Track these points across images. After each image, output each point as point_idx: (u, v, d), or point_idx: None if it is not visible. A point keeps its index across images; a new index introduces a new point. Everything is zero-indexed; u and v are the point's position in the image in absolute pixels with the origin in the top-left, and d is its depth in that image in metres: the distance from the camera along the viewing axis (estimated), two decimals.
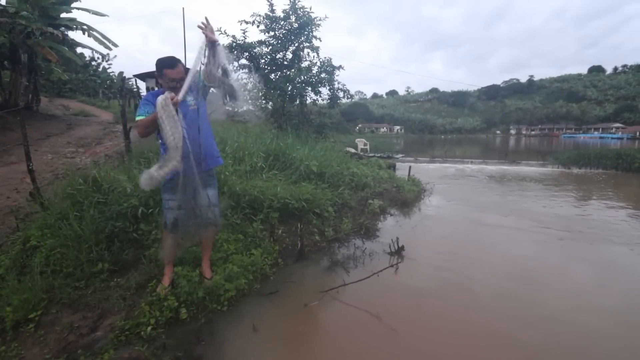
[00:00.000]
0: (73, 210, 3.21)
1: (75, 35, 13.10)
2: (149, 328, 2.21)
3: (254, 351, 2.23)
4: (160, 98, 2.10)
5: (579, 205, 6.66)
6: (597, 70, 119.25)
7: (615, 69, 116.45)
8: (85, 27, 12.30)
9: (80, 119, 14.18)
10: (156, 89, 13.47)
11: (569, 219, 5.53)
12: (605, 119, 79.19)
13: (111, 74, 30.26)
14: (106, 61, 29.93)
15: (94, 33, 12.41)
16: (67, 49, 12.15)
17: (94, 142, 8.96)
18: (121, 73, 29.75)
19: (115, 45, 13.26)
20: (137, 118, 2.29)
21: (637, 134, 60.81)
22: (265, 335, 2.38)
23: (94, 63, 28.57)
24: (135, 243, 3.14)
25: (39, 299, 2.45)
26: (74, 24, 12.35)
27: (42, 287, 2.54)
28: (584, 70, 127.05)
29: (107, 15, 13.59)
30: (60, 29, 11.69)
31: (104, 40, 12.67)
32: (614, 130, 69.81)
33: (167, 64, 2.34)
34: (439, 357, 2.27)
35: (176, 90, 2.37)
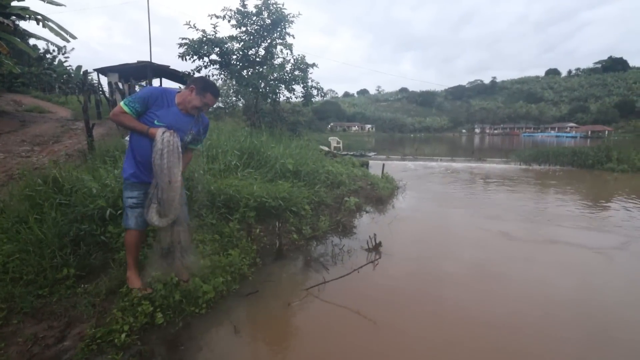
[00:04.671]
0: (32, 213, 2.98)
1: (28, 25, 12.21)
2: (123, 335, 2.09)
3: (237, 354, 2.18)
4: (165, 131, 2.24)
5: (541, 197, 7.06)
6: (553, 73, 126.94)
7: (570, 72, 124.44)
8: (39, 17, 11.44)
9: (34, 116, 13.18)
10: (121, 85, 12.62)
11: (533, 210, 5.85)
12: (560, 119, 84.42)
13: (68, 68, 28.41)
14: (62, 54, 28.09)
15: (50, 24, 11.57)
16: (18, 40, 11.26)
17: (51, 140, 8.37)
18: (79, 67, 27.86)
19: (74, 37, 12.41)
20: (124, 107, 2.26)
21: (589, 133, 65.33)
22: (247, 337, 2.34)
23: (48, 56, 26.75)
24: (103, 247, 2.96)
25: None
26: (26, 14, 11.46)
27: (1, 297, 2.34)
28: (541, 73, 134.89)
29: (64, 5, 12.73)
30: (11, 19, 10.83)
31: (60, 31, 11.84)
32: (568, 129, 74.57)
33: (216, 92, 2.45)
34: (417, 347, 2.33)
35: (194, 110, 2.41)
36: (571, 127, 75.32)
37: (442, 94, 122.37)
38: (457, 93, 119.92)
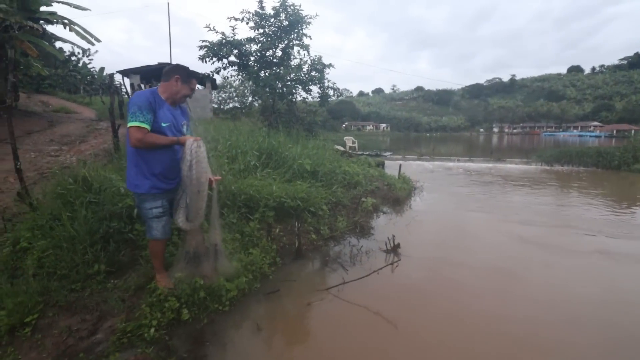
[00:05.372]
0: (65, 211, 3.12)
1: (55, 29, 12.70)
2: (152, 329, 2.18)
3: (259, 350, 2.24)
4: (193, 142, 2.24)
5: (564, 200, 6.88)
6: (576, 70, 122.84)
7: (593, 69, 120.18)
8: (66, 21, 11.89)
9: (61, 116, 13.71)
10: (142, 86, 12.99)
11: (557, 213, 5.72)
12: (583, 118, 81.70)
13: (92, 70, 29.36)
14: (87, 56, 29.02)
15: (76, 27, 12.01)
16: (47, 43, 11.75)
17: (78, 140, 8.70)
18: (102, 69, 28.78)
19: (98, 40, 12.83)
20: (143, 125, 2.14)
21: (614, 132, 62.93)
22: (269, 335, 2.39)
23: (73, 58, 27.67)
24: (131, 244, 3.08)
25: (34, 302, 2.38)
26: (54, 18, 11.92)
27: (37, 290, 2.47)
28: (563, 70, 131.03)
29: (89, 10, 13.19)
30: (40, 23, 11.28)
31: (86, 35, 12.27)
32: (592, 128, 72.10)
33: (197, 75, 2.44)
34: (437, 348, 2.33)
35: (183, 100, 2.47)
36: (595, 126, 72.79)
37: (459, 93, 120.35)
38: (474, 91, 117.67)
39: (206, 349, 2.19)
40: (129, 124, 2.14)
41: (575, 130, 73.81)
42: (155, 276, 2.62)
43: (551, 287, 3.21)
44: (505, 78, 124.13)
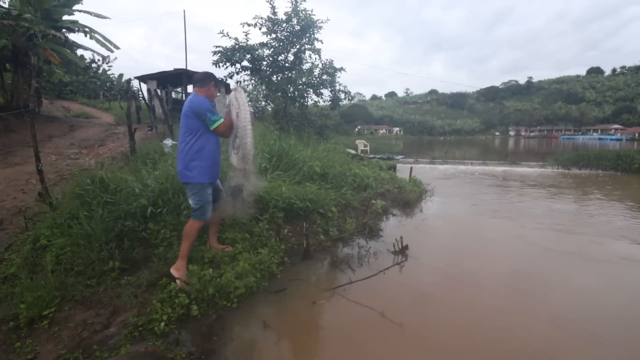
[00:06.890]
0: (82, 210, 3.26)
1: (76, 37, 13.21)
2: (162, 324, 2.26)
3: (266, 347, 2.28)
4: (233, 92, 2.84)
5: (581, 204, 6.72)
6: (595, 71, 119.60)
7: (614, 70, 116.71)
8: (87, 29, 12.35)
9: (81, 121, 14.21)
10: (159, 91, 13.36)
11: (569, 218, 5.58)
12: (604, 121, 79.41)
13: (111, 76, 30.34)
14: (106, 63, 30.01)
15: (96, 35, 12.47)
16: (68, 51, 12.23)
17: (96, 143, 9.01)
18: (121, 75, 29.68)
19: (117, 48, 13.29)
20: (219, 121, 2.76)
21: (636, 135, 61.00)
22: (275, 332, 2.43)
23: (94, 65, 28.66)
24: (144, 242, 3.19)
25: (52, 296, 2.50)
26: (75, 26, 12.41)
27: (55, 285, 2.59)
28: (582, 71, 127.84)
29: (109, 18, 13.66)
30: (62, 31, 11.76)
31: (105, 42, 12.72)
32: (612, 131, 70.03)
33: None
34: (443, 350, 2.32)
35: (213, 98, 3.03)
36: (616, 129, 70.65)
37: (474, 96, 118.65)
38: (489, 94, 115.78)
39: (214, 344, 2.25)
40: (213, 127, 2.76)
41: (595, 134, 71.82)
42: (177, 263, 2.77)
43: (567, 292, 3.14)
44: (522, 80, 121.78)
